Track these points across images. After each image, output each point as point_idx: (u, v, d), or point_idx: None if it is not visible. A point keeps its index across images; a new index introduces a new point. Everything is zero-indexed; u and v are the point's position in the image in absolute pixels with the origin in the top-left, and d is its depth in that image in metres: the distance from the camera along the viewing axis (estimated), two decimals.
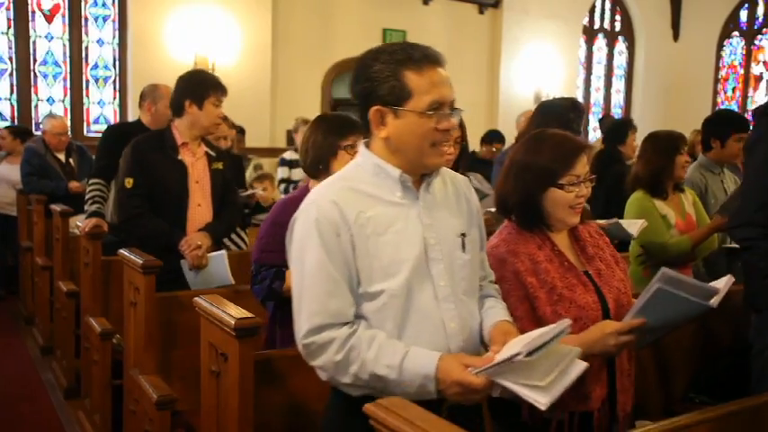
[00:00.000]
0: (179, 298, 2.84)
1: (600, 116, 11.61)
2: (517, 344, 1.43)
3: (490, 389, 1.43)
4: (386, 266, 1.51)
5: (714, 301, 1.72)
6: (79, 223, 3.87)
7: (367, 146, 1.61)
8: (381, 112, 1.53)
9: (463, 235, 1.63)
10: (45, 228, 4.96)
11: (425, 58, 1.51)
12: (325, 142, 2.39)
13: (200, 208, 3.13)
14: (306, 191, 2.45)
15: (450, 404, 1.52)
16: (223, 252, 3.08)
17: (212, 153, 3.24)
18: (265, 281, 2.32)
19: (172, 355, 2.80)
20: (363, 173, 1.59)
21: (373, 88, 1.52)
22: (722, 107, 11.29)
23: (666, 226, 3.18)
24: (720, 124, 3.79)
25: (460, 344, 1.56)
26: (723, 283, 1.81)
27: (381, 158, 1.57)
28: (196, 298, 2.12)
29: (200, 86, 3.11)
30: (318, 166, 2.41)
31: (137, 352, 2.77)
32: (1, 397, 4.09)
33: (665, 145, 3.25)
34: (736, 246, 3.22)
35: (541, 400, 1.36)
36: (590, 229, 2.01)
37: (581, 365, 1.47)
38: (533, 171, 1.85)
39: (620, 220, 3.13)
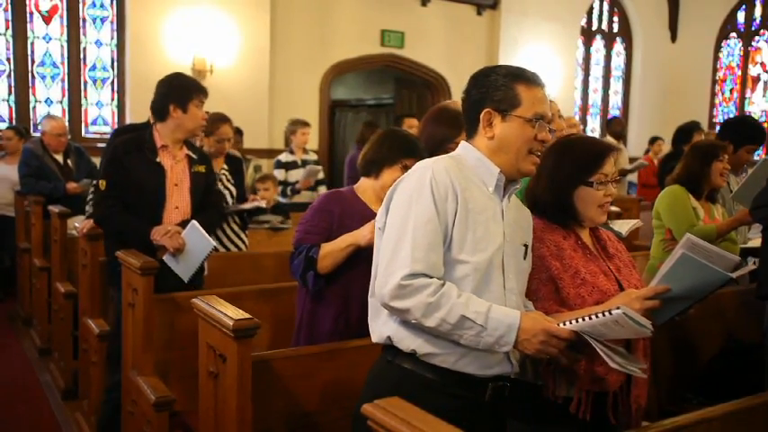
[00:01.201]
0: (177, 299, 2.84)
1: (598, 117, 11.65)
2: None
3: (569, 343, 1.61)
4: (477, 241, 1.68)
5: (735, 273, 1.77)
6: (77, 224, 3.87)
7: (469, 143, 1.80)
8: (491, 114, 1.74)
9: (526, 245, 1.82)
10: (43, 229, 4.95)
11: (535, 77, 1.77)
12: (389, 152, 2.48)
13: (177, 210, 3.10)
14: (352, 189, 2.55)
15: (495, 385, 1.71)
16: (193, 222, 3.00)
17: (194, 156, 3.21)
18: (302, 253, 2.39)
19: (170, 357, 2.80)
20: (465, 163, 1.76)
21: (488, 94, 1.75)
22: (727, 110, 11.35)
23: (696, 217, 3.31)
24: (739, 131, 3.83)
25: None
26: (747, 264, 1.85)
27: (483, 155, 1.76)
28: (194, 299, 2.13)
29: (183, 90, 3.11)
30: (372, 168, 2.51)
31: (135, 353, 2.77)
32: None
33: (703, 152, 3.41)
34: (753, 246, 3.30)
35: (614, 359, 1.58)
36: (608, 234, 2.12)
37: (639, 373, 1.67)
38: (565, 170, 1.97)
39: (610, 221, 3.17)
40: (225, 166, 4.14)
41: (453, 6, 9.60)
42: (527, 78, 1.75)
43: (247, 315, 1.95)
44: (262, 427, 2.05)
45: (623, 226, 3.13)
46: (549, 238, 1.95)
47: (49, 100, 7.48)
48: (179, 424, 2.64)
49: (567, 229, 1.98)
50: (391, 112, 9.97)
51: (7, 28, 7.19)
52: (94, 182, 3.83)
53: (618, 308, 1.54)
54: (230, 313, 1.95)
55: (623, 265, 2.03)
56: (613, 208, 4.90)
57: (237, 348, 1.91)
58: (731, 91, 11.60)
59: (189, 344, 2.40)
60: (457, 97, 9.29)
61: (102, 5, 7.60)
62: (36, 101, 7.42)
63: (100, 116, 7.74)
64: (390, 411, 1.27)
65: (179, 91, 3.11)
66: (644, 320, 1.61)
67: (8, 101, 7.28)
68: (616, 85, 11.95)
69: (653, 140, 8.99)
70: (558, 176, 1.98)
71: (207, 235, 2.99)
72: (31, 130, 7.11)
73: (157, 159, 3.09)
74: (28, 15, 7.28)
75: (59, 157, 5.58)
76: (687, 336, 2.86)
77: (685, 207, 3.32)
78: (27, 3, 7.24)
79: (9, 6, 7.16)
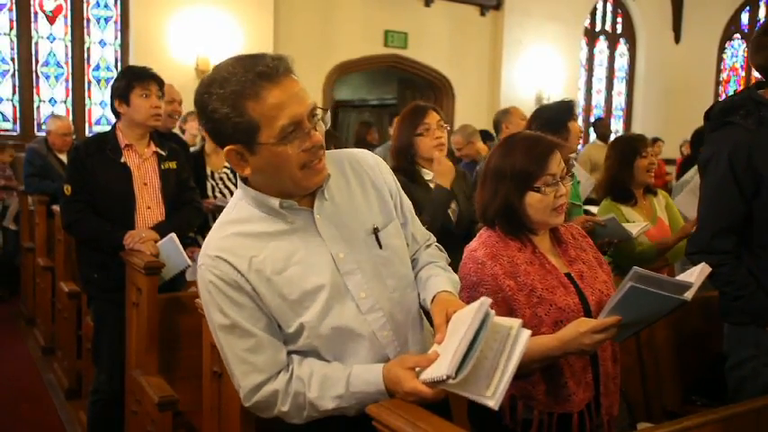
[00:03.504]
0: (181, 299, 2.85)
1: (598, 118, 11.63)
2: (448, 348, 1.32)
3: (442, 394, 1.33)
4: (298, 302, 1.42)
5: (688, 295, 1.68)
6: None
7: (244, 181, 1.48)
8: (236, 150, 1.38)
9: (376, 230, 1.52)
10: (47, 228, 4.96)
11: (260, 78, 1.33)
12: None
13: (150, 210, 3.00)
14: None
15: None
16: (171, 235, 2.91)
17: (162, 152, 3.08)
18: None
19: (174, 356, 2.80)
20: (247, 208, 1.47)
21: (218, 129, 1.37)
22: None
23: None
24: None
25: (398, 349, 1.51)
26: (696, 275, 1.78)
27: (259, 191, 1.44)
28: (198, 299, 2.13)
29: (122, 83, 2.98)
30: None
31: (139, 353, 2.77)
32: (2, 397, 4.09)
33: (623, 149, 3.20)
34: None
35: (490, 404, 1.29)
36: (572, 231, 2.00)
37: (525, 334, 1.36)
38: (508, 177, 1.83)
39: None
40: (227, 164, 4.03)
41: (457, 7, 9.61)
42: (251, 88, 1.32)
43: None
44: (265, 428, 2.05)
45: (633, 227, 3.08)
46: (504, 253, 1.81)
47: (53, 100, 7.49)
48: (183, 424, 2.64)
49: (522, 239, 1.85)
50: (395, 112, 10.00)
51: (11, 28, 7.20)
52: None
53: (447, 378, 1.25)
54: None
55: (587, 267, 1.90)
56: None
57: None
58: (735, 92, 11.58)
59: (193, 344, 2.40)
60: (460, 97, 9.28)
61: (106, 5, 7.62)
62: (40, 100, 7.44)
63: (104, 116, 7.75)
64: (396, 412, 1.27)
65: (119, 85, 2.99)
66: (479, 313, 1.32)
67: (12, 100, 7.29)
68: (619, 86, 11.95)
69: (653, 141, 9.00)
70: (503, 185, 1.83)
71: (183, 252, 2.91)
72: (35, 130, 7.12)
73: (122, 159, 2.97)
74: (32, 15, 7.29)
75: (63, 157, 5.58)
76: (691, 337, 2.86)
77: None
78: (31, 3, 7.26)
79: (13, 6, 7.17)
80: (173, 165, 3.11)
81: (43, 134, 5.90)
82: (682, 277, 1.79)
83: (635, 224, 3.10)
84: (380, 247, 1.51)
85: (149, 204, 3.01)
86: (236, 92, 1.33)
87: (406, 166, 2.79)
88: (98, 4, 7.58)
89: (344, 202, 1.51)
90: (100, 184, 2.93)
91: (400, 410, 1.27)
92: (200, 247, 3.78)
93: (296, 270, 1.42)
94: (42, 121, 7.16)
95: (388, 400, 1.34)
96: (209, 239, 1.47)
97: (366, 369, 1.41)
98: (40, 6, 7.34)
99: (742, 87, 11.46)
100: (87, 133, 7.59)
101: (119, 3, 7.63)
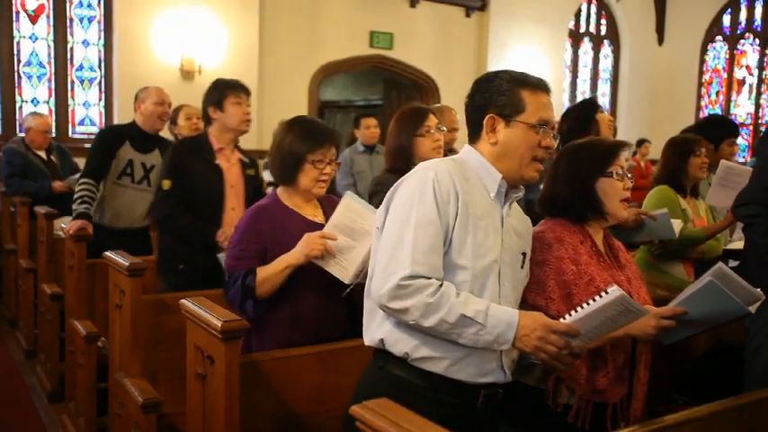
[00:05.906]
0: (165, 300, 2.83)
1: None
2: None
3: (572, 337, 1.60)
4: (477, 246, 1.66)
5: (753, 308, 1.79)
6: (64, 225, 3.84)
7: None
8: (495, 119, 1.73)
9: (524, 254, 1.81)
10: (29, 230, 4.91)
11: (539, 83, 1.75)
12: (292, 152, 2.30)
13: (234, 212, 3.22)
14: (274, 196, 2.39)
15: (488, 392, 1.70)
16: None
17: (246, 160, 3.36)
18: (237, 281, 2.23)
19: (158, 358, 2.78)
20: (467, 166, 1.74)
21: (491, 98, 1.74)
22: (713, 112, 11.46)
23: (685, 219, 3.33)
24: (714, 129, 3.88)
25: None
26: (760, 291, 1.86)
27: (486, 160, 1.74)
28: (182, 300, 2.12)
29: (216, 90, 3.24)
30: (285, 178, 2.36)
31: (122, 355, 2.75)
32: None
33: (679, 148, 3.45)
34: (736, 248, 3.32)
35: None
36: (619, 244, 2.12)
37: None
38: (583, 164, 1.99)
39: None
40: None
41: (442, 8, 9.63)
42: (531, 84, 1.73)
43: (235, 316, 1.94)
44: (250, 429, 2.05)
45: (675, 227, 3.18)
46: (569, 240, 1.93)
47: (35, 100, 7.42)
48: (167, 426, 2.63)
49: (583, 233, 1.97)
50: (380, 113, 10.00)
51: None
52: (82, 180, 3.78)
53: (612, 287, 1.57)
54: (218, 315, 1.94)
55: (633, 277, 2.01)
56: None
57: (225, 350, 1.90)
58: (717, 93, 11.72)
59: (177, 345, 2.39)
60: (446, 98, 9.28)
61: (89, 5, 7.56)
62: (22, 101, 7.36)
63: (87, 116, 7.68)
64: (379, 413, 1.27)
65: (213, 93, 3.24)
66: (639, 305, 1.61)
67: None
68: (604, 88, 12.02)
69: (640, 143, 9.06)
70: (578, 171, 1.98)
71: None
72: (18, 131, 7.04)
73: (216, 161, 3.22)
74: (14, 14, 7.22)
75: (43, 154, 5.50)
76: None
77: (674, 208, 3.33)
78: (13, 2, 7.18)
79: None
80: (252, 172, 3.38)
81: (23, 134, 5.83)
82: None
83: (676, 221, 3.21)
84: (522, 267, 1.80)
85: (234, 206, 3.25)
86: (519, 80, 1.74)
87: (402, 167, 2.79)
88: (81, 4, 7.51)
89: (515, 220, 1.81)
90: (195, 183, 3.17)
91: (384, 411, 1.27)
92: None
93: (485, 225, 1.69)
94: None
95: (372, 401, 1.34)
96: (438, 162, 1.73)
97: (504, 306, 1.65)
98: (22, 5, 7.26)
99: (724, 89, 11.60)
100: (70, 134, 7.53)
101: (102, 2, 7.57)
